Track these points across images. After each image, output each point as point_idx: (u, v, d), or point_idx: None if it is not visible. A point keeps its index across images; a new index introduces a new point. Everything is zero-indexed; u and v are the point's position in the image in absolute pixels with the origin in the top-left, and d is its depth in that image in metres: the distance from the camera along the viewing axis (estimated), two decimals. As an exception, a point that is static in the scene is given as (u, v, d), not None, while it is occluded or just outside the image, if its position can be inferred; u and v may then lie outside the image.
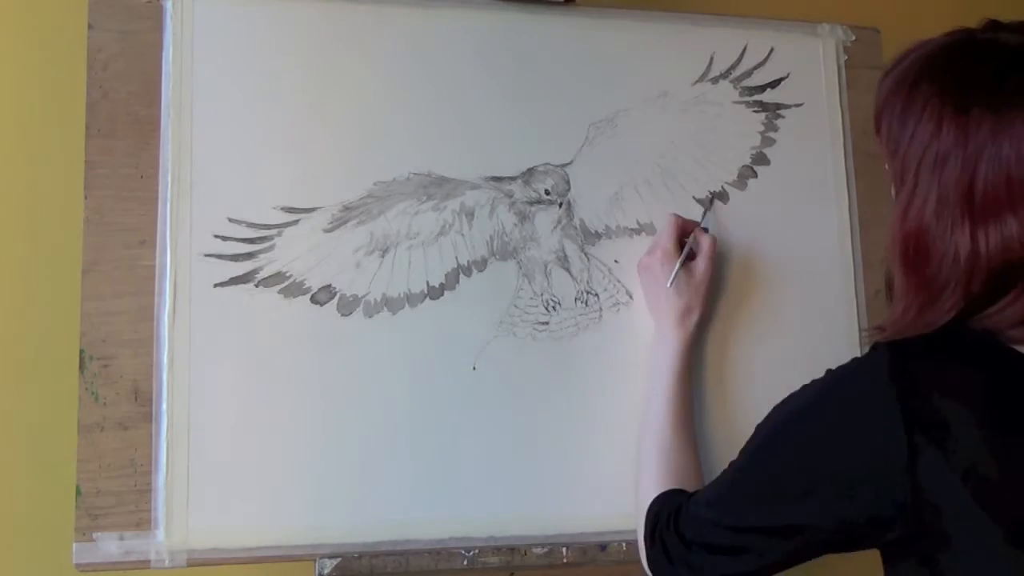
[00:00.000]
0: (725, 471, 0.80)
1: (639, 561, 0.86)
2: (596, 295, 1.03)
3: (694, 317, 0.98)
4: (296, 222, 0.96)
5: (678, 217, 1.01)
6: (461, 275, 1.00)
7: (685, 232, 1.01)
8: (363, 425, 0.94)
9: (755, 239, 1.08)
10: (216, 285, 0.93)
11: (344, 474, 0.93)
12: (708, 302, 1.00)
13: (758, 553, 0.75)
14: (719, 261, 1.03)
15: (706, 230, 1.03)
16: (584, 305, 1.02)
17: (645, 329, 1.02)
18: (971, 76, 0.71)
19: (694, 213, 1.06)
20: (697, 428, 1.00)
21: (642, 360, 1.01)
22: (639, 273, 1.02)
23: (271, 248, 0.95)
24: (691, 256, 1.00)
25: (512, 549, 0.95)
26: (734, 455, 0.80)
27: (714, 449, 1.01)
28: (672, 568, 0.80)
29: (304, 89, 0.99)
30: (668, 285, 0.97)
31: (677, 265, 0.97)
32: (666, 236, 0.99)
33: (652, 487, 0.88)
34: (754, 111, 1.11)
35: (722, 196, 1.08)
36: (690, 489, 0.86)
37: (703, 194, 1.08)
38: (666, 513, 0.83)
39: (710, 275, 0.99)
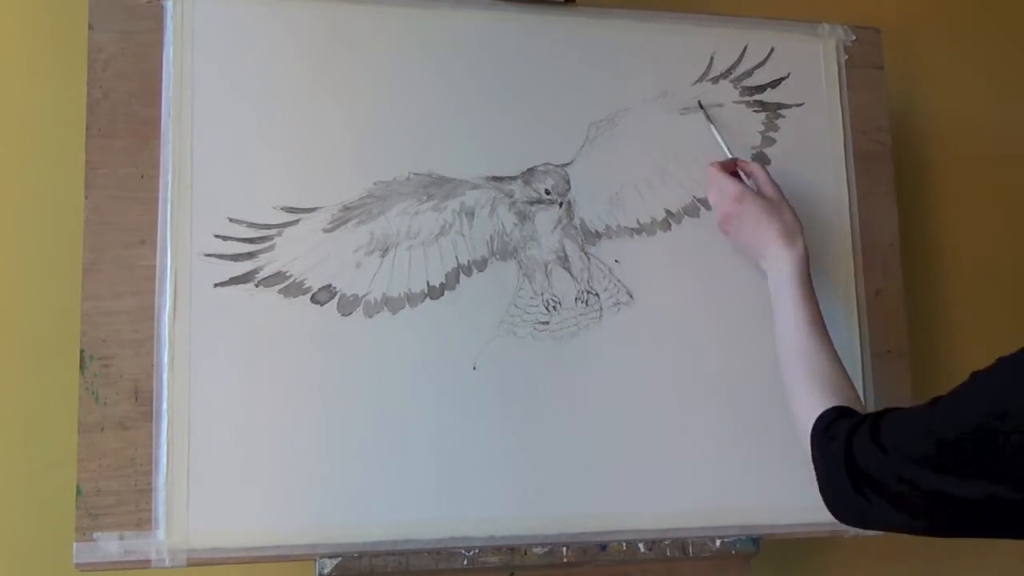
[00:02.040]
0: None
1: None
2: (596, 295, 1.03)
3: (798, 231, 0.96)
4: (296, 222, 0.96)
5: (716, 164, 1.01)
6: (461, 275, 1.00)
7: (729, 171, 1.00)
8: (363, 425, 0.94)
9: (755, 239, 1.08)
10: (216, 285, 0.93)
11: (344, 474, 0.93)
12: (800, 218, 0.97)
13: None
14: (718, 258, 1.04)
15: (736, 160, 1.03)
16: (584, 305, 1.02)
17: (645, 329, 1.02)
18: None
19: (695, 216, 1.06)
20: (696, 427, 1.00)
21: (642, 360, 1.02)
22: (723, 229, 1.00)
23: (271, 248, 0.95)
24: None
25: (512, 549, 0.95)
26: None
27: (717, 449, 1.01)
28: (853, 485, 0.74)
29: (304, 89, 0.99)
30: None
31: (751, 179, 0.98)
32: (721, 179, 0.99)
33: (813, 405, 0.83)
34: (754, 111, 1.11)
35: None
36: (852, 405, 0.83)
37: (704, 194, 1.08)
38: (849, 424, 0.77)
39: (780, 192, 0.98)
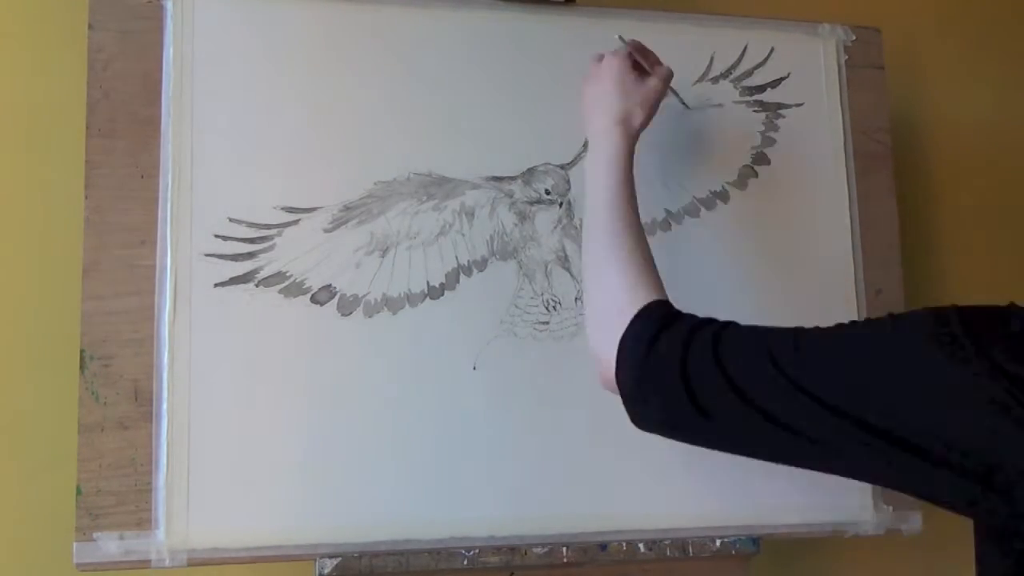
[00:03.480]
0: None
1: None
2: (596, 295, 1.03)
3: (638, 120, 0.90)
4: (296, 222, 0.96)
5: (640, 44, 0.95)
6: (461, 275, 1.00)
7: (645, 54, 0.95)
8: (363, 425, 0.94)
9: (755, 238, 1.08)
10: (216, 285, 0.93)
11: (344, 474, 0.93)
12: (652, 116, 0.93)
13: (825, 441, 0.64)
14: (718, 258, 1.03)
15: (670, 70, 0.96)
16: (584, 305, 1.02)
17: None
18: None
19: (695, 216, 1.06)
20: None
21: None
22: (586, 84, 0.95)
23: (271, 248, 0.95)
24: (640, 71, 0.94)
25: (512, 549, 0.95)
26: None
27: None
28: (690, 405, 0.69)
29: (304, 89, 0.99)
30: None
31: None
32: (619, 55, 0.93)
33: (630, 289, 0.77)
34: (754, 111, 1.11)
35: (723, 195, 1.08)
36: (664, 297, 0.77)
37: (704, 194, 1.08)
38: (684, 329, 0.71)
39: (659, 91, 0.93)
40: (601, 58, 0.95)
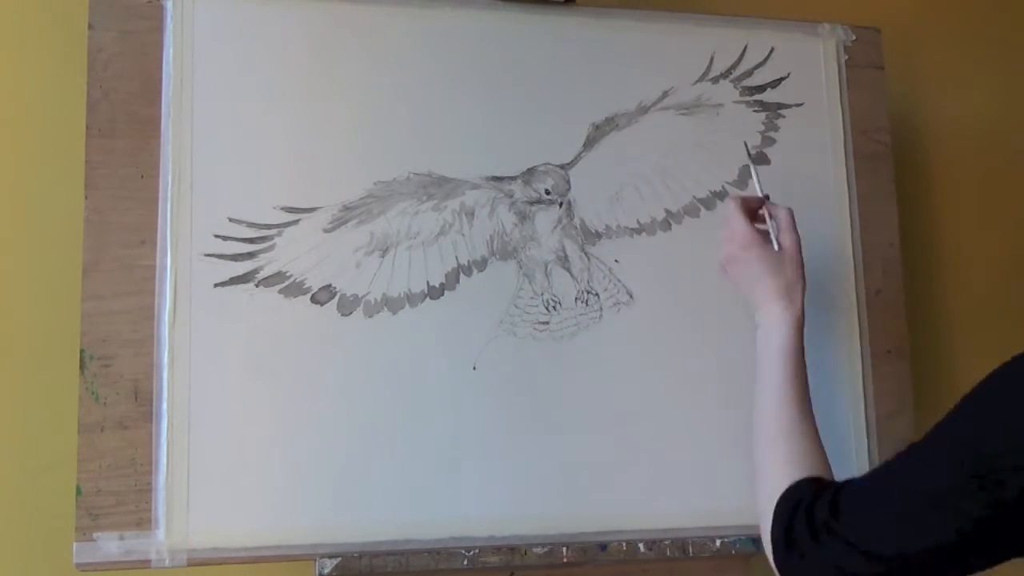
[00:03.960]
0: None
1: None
2: (596, 295, 1.03)
3: (798, 290, 0.90)
4: (296, 222, 0.96)
5: (737, 199, 0.95)
6: (461, 275, 1.00)
7: (752, 210, 0.95)
8: (363, 425, 0.94)
9: (755, 239, 1.08)
10: (216, 285, 0.93)
11: (344, 474, 0.93)
12: (805, 275, 0.92)
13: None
14: (718, 259, 1.03)
15: (768, 198, 0.97)
16: (584, 305, 1.02)
17: (645, 329, 1.02)
18: None
19: (695, 216, 1.06)
20: (696, 427, 1.00)
21: (642, 360, 1.02)
22: (725, 271, 0.95)
23: (271, 248, 0.95)
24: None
25: (512, 549, 0.95)
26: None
27: (717, 449, 1.01)
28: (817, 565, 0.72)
29: (304, 89, 0.99)
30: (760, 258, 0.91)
31: (772, 233, 0.93)
32: (736, 219, 0.93)
33: (781, 475, 0.80)
34: (754, 111, 1.11)
35: (723, 195, 1.08)
36: (824, 476, 0.80)
37: (704, 194, 1.08)
38: (810, 499, 0.74)
39: (798, 245, 0.92)
40: (728, 227, 0.94)
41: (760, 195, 0.97)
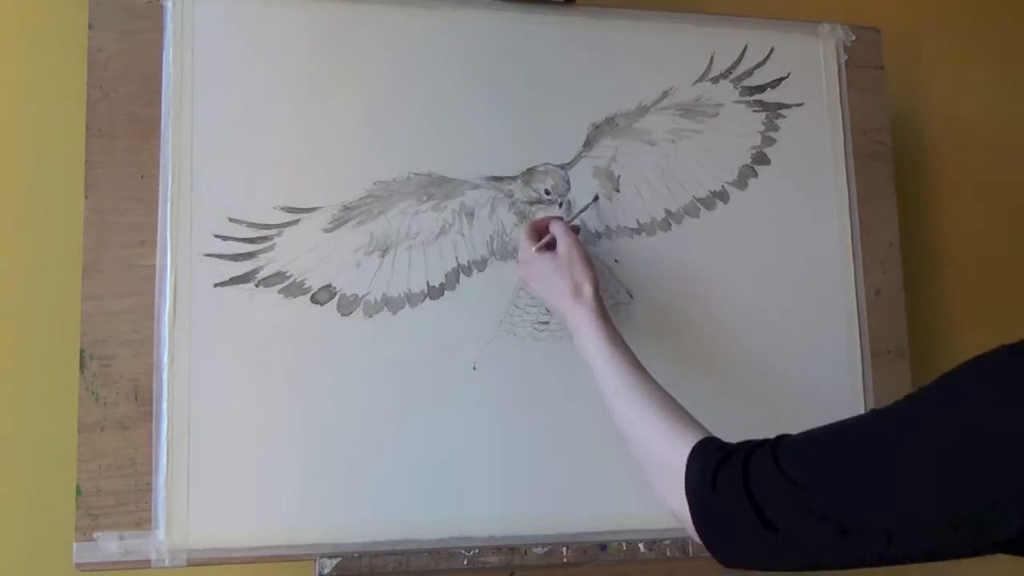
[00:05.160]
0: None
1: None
2: (596, 295, 1.03)
3: (587, 288, 0.91)
4: (296, 222, 0.96)
5: (528, 224, 0.99)
6: (461, 275, 1.00)
7: (539, 231, 0.98)
8: (363, 425, 0.94)
9: (755, 238, 1.08)
10: (216, 285, 0.93)
11: (344, 474, 0.93)
12: (594, 273, 0.93)
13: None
14: (718, 258, 1.03)
15: (561, 219, 0.99)
16: (584, 305, 1.02)
17: (645, 329, 1.02)
18: None
19: (695, 216, 1.06)
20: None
21: (641, 360, 1.01)
22: (529, 287, 0.98)
23: (271, 248, 0.95)
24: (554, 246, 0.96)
25: (512, 549, 0.95)
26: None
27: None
28: (759, 523, 0.67)
29: (304, 89, 0.99)
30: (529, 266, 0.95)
31: (533, 248, 0.96)
32: (521, 243, 0.98)
33: (678, 441, 0.77)
34: (754, 111, 1.11)
35: (723, 195, 1.08)
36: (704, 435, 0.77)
37: (704, 193, 1.08)
38: (739, 458, 0.70)
39: (575, 249, 0.94)
40: (519, 251, 0.98)
41: (556, 217, 1.00)
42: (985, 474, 0.59)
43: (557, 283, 0.93)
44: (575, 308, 0.91)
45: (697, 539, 0.74)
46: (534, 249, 0.96)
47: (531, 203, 1.03)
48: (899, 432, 0.64)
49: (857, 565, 0.66)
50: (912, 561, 0.64)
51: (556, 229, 0.97)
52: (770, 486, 0.67)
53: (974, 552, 0.63)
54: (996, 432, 0.59)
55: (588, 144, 1.05)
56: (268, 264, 0.95)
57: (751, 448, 0.71)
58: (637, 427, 0.82)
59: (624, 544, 0.97)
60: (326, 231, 0.97)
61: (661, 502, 0.78)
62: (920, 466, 0.61)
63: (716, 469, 0.71)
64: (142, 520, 0.88)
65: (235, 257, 0.94)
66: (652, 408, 0.82)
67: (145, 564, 0.88)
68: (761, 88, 1.12)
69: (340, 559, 0.91)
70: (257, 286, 0.94)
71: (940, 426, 0.63)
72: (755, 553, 0.70)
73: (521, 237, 0.99)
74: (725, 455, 0.72)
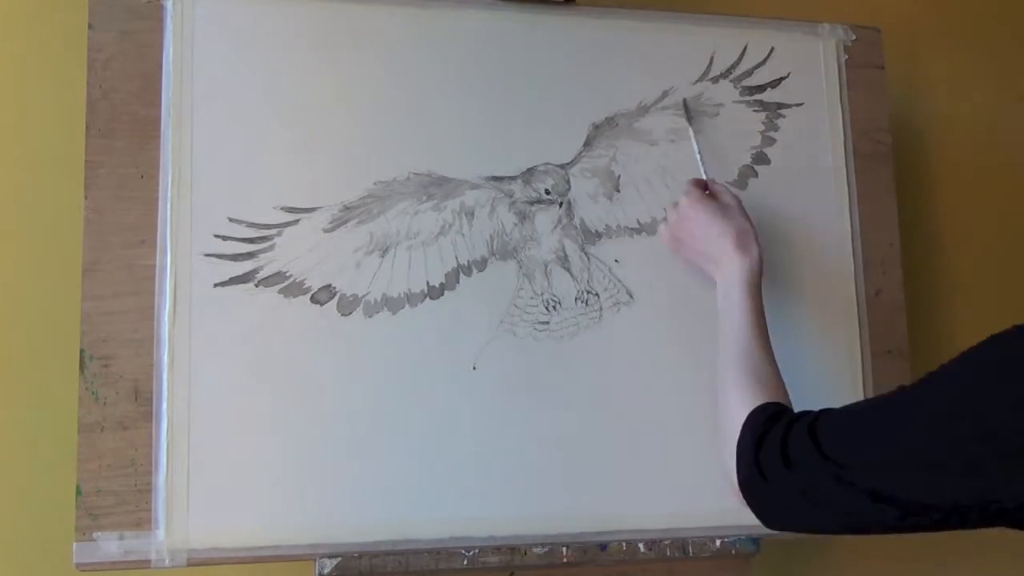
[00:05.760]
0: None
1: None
2: (596, 295, 1.03)
3: (751, 236, 0.94)
4: (296, 222, 0.96)
5: (691, 180, 1.02)
6: (461, 275, 1.00)
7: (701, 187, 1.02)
8: (363, 425, 0.94)
9: (755, 239, 1.08)
10: (216, 285, 0.93)
11: (344, 474, 0.93)
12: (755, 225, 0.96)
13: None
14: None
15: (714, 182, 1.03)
16: (584, 305, 1.02)
17: (645, 329, 1.02)
18: None
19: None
20: (696, 427, 1.00)
21: (642, 360, 1.02)
22: (671, 243, 1.01)
23: (271, 248, 0.95)
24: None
25: (512, 549, 0.95)
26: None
27: (713, 449, 1.01)
28: (791, 478, 0.73)
29: (304, 89, 0.99)
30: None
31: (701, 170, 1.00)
32: (691, 189, 1.00)
33: (746, 401, 0.82)
34: (754, 110, 1.11)
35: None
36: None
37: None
38: (787, 420, 0.76)
39: (740, 202, 0.98)
40: (675, 205, 1.01)
41: (703, 172, 1.04)
42: (1002, 444, 0.63)
43: (722, 227, 0.95)
44: (738, 258, 0.92)
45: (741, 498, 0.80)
46: (707, 192, 0.98)
47: (531, 203, 1.03)
48: (923, 408, 0.69)
49: (883, 531, 0.71)
50: (938, 528, 0.69)
51: (717, 187, 1.01)
52: (805, 458, 0.73)
53: (992, 521, 0.67)
54: (1014, 403, 0.63)
55: (588, 144, 1.05)
56: (268, 264, 0.95)
57: (790, 421, 0.76)
58: (728, 383, 0.86)
59: (624, 544, 0.97)
60: (326, 231, 0.97)
61: (719, 462, 0.83)
62: (942, 438, 0.66)
63: (760, 438, 0.77)
64: (142, 520, 0.88)
65: (235, 257, 0.94)
66: (748, 372, 0.86)
67: (145, 564, 0.88)
68: (761, 88, 1.12)
69: (340, 559, 0.91)
70: (257, 286, 0.94)
71: (962, 401, 0.67)
72: (794, 519, 0.76)
73: (687, 188, 1.00)
74: (775, 419, 0.78)
